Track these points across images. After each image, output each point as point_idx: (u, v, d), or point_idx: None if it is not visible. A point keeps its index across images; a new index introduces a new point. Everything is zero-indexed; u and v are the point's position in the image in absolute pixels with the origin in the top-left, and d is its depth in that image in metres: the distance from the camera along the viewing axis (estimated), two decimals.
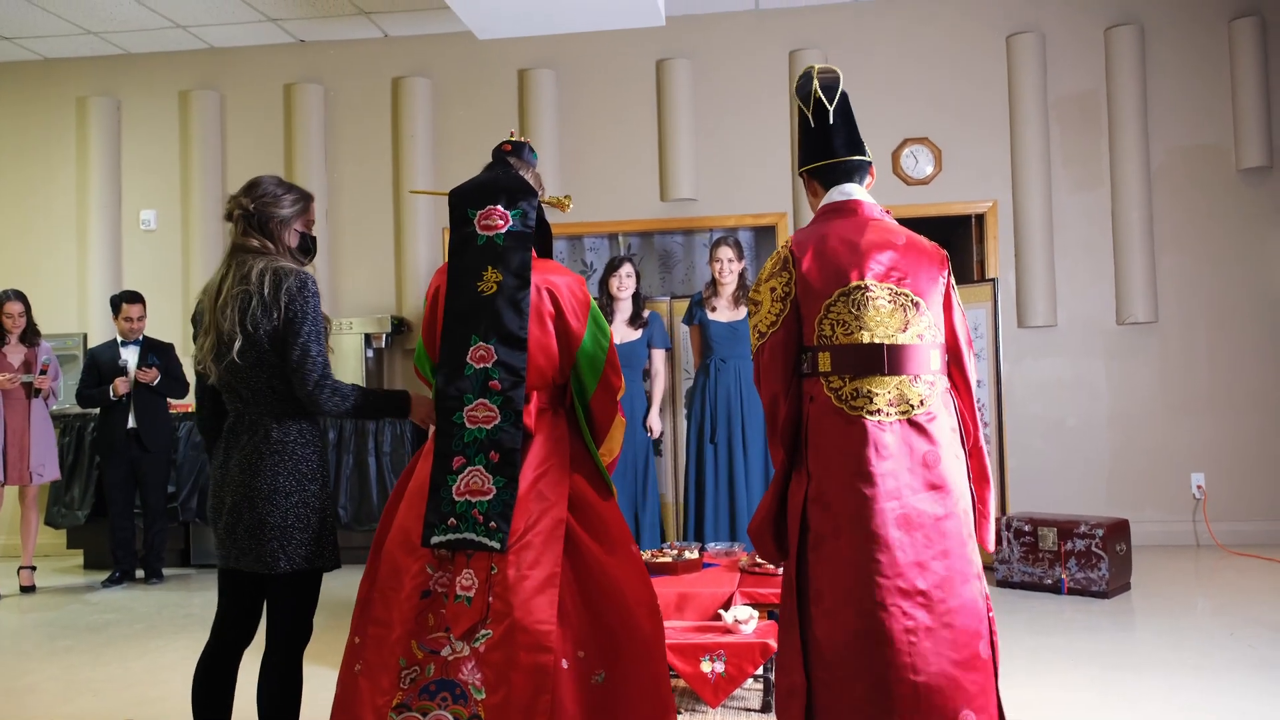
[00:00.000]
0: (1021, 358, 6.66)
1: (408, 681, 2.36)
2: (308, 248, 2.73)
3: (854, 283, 2.46)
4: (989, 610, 2.45)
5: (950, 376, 2.57)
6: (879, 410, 2.42)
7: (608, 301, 5.51)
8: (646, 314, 5.55)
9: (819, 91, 2.60)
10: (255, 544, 2.52)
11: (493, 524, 2.41)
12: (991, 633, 2.44)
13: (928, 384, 2.45)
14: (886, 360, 2.43)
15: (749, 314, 2.69)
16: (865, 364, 2.44)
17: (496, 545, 2.40)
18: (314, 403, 2.54)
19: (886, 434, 2.41)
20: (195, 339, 2.67)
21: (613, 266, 5.52)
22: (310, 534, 2.57)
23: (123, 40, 7.29)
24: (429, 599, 2.42)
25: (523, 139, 2.83)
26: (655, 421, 5.54)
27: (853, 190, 2.61)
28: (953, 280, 2.59)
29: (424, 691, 2.34)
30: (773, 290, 2.55)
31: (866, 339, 2.44)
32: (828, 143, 2.62)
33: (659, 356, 5.59)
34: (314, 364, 2.52)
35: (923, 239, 2.59)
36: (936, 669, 2.33)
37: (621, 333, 5.43)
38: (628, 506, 5.32)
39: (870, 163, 2.67)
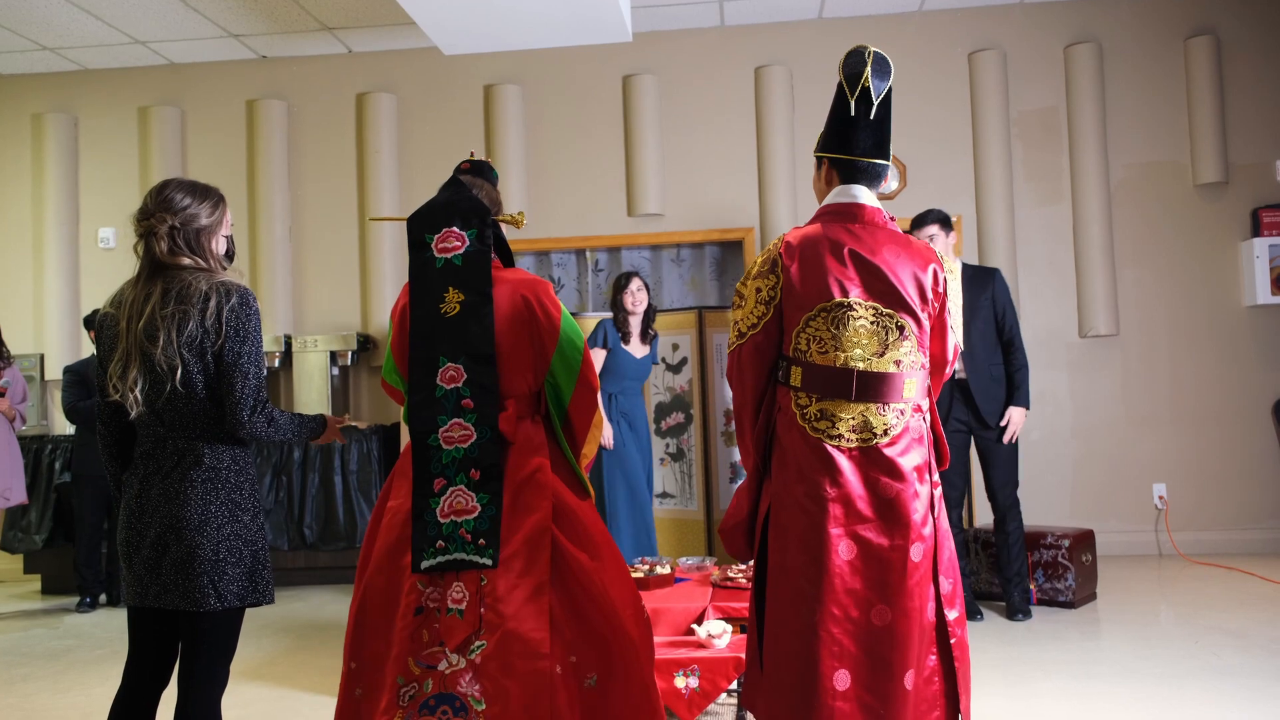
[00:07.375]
0: None
1: (406, 699, 2.36)
2: (232, 253, 2.60)
3: (837, 299, 2.42)
4: (951, 639, 2.43)
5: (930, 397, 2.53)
6: (840, 435, 2.40)
7: (624, 317, 5.34)
8: (652, 330, 5.51)
9: (869, 80, 2.49)
10: (183, 579, 2.35)
11: (481, 541, 2.41)
12: (952, 660, 2.43)
13: (897, 413, 2.42)
14: (855, 386, 2.39)
15: (732, 306, 2.66)
16: (834, 387, 2.41)
17: (489, 562, 2.40)
18: (248, 429, 2.42)
19: (844, 460, 2.39)
20: (102, 362, 2.46)
21: (621, 283, 5.35)
22: (243, 568, 2.42)
23: (80, 56, 7.19)
24: (422, 615, 2.42)
25: (484, 159, 2.85)
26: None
27: (859, 193, 2.53)
28: (948, 293, 2.53)
29: (424, 707, 2.35)
30: (758, 291, 2.50)
31: (840, 361, 2.40)
32: (859, 137, 2.52)
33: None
34: (253, 389, 2.42)
35: (921, 247, 2.50)
36: (855, 697, 2.35)
37: (637, 348, 5.37)
38: (636, 521, 5.31)
39: (889, 165, 2.59)
